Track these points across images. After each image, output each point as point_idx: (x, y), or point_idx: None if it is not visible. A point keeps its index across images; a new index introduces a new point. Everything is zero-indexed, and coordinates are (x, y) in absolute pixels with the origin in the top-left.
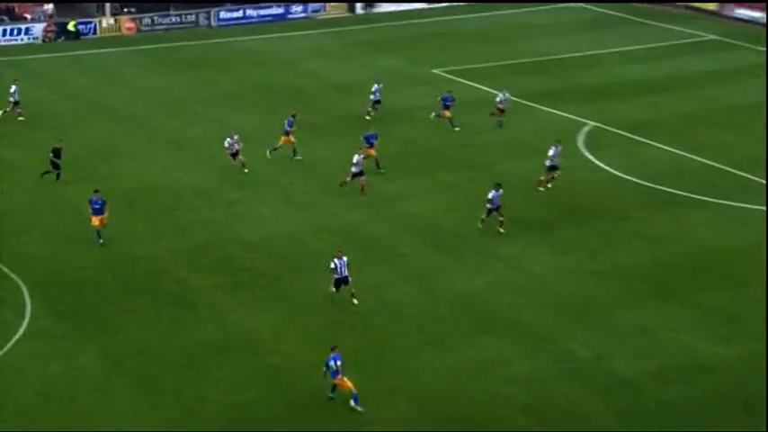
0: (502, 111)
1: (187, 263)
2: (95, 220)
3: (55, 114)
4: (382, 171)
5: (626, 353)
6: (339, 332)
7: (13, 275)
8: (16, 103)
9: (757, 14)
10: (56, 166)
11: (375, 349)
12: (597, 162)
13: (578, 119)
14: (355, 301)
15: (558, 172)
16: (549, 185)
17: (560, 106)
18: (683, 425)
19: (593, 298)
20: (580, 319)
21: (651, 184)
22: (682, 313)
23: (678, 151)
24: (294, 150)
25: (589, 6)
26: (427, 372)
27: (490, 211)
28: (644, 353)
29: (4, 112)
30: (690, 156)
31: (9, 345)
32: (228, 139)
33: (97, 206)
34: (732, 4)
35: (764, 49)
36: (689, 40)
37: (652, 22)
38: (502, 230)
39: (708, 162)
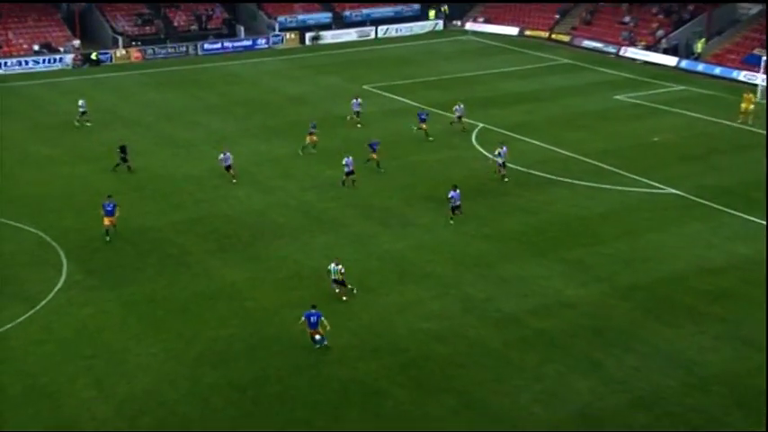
0: (459, 118)
1: (184, 232)
2: (106, 221)
3: (83, 122)
4: (382, 171)
5: (510, 295)
6: (298, 283)
7: (53, 243)
8: (83, 113)
9: (598, 44)
10: (124, 160)
11: (325, 295)
12: (486, 153)
13: (472, 122)
14: (354, 291)
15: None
16: (506, 179)
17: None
18: (552, 346)
19: (485, 255)
20: (476, 270)
21: (525, 169)
22: (550, 265)
23: (545, 145)
24: (314, 146)
25: (477, 39)
26: (364, 312)
27: (453, 208)
28: (523, 294)
29: (78, 122)
30: (553, 148)
31: (51, 294)
32: (221, 155)
33: (109, 209)
34: (581, 38)
35: (604, 70)
36: (549, 63)
37: (523, 50)
38: (452, 222)
39: (567, 153)
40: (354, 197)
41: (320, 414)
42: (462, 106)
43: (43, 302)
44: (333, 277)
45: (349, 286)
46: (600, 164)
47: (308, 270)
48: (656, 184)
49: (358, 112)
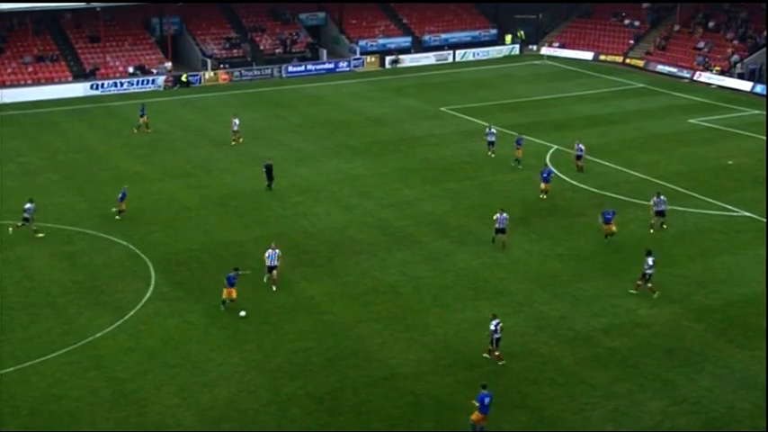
0: (579, 158)
1: (265, 247)
2: (227, 292)
3: (172, 140)
4: (520, 167)
5: (583, 314)
6: (375, 298)
7: (142, 255)
8: (236, 131)
9: (673, 69)
10: (269, 179)
11: (401, 310)
12: (560, 174)
13: (546, 143)
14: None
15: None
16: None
17: (533, 134)
18: (624, 365)
19: (558, 273)
20: (549, 289)
21: (598, 191)
22: (622, 285)
23: (618, 167)
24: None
25: (553, 63)
26: (439, 327)
27: (497, 230)
28: (596, 313)
29: (234, 141)
30: (627, 170)
31: (140, 305)
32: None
33: (233, 280)
34: (656, 63)
35: (678, 94)
36: (623, 88)
37: (597, 74)
38: (493, 242)
39: (640, 175)
40: (430, 215)
41: (395, 426)
42: (583, 146)
43: (132, 312)
44: (495, 336)
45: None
46: (673, 186)
47: (385, 286)
48: (730, 207)
49: (492, 143)
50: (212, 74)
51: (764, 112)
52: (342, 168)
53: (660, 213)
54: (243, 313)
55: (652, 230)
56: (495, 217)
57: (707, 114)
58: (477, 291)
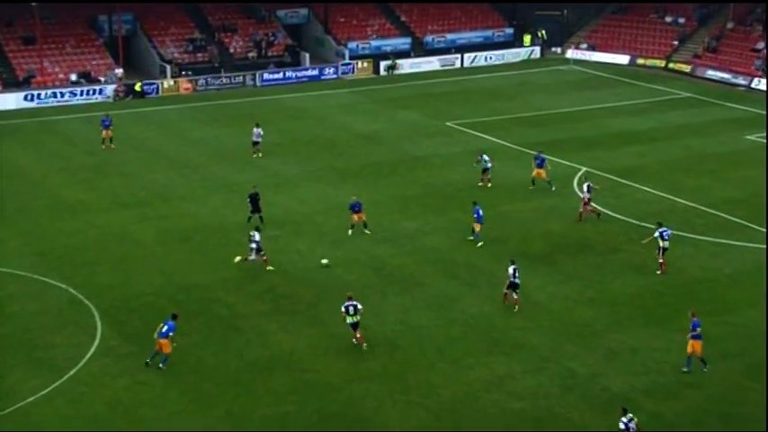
0: (588, 201)
1: (235, 291)
2: (161, 344)
3: (123, 162)
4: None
5: (619, 371)
6: (368, 352)
7: (86, 302)
8: (256, 143)
9: (726, 75)
10: (255, 210)
11: (399, 367)
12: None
13: (573, 165)
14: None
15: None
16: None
17: (558, 154)
18: None
19: (589, 322)
20: (578, 340)
21: (637, 222)
22: (667, 336)
23: (661, 193)
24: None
25: (581, 69)
26: (445, 387)
27: (511, 285)
28: (635, 371)
29: (255, 153)
30: (671, 197)
31: (82, 362)
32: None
33: (165, 330)
34: (705, 68)
35: (732, 105)
36: (666, 98)
37: (634, 82)
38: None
39: (687, 203)
40: (434, 252)
41: None
42: (589, 185)
43: (72, 372)
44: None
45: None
46: (728, 216)
47: (380, 337)
48: None
49: (486, 170)
50: (172, 82)
51: None
52: (328, 196)
53: (664, 251)
54: (325, 261)
55: (659, 272)
56: (508, 272)
57: None
58: (490, 343)
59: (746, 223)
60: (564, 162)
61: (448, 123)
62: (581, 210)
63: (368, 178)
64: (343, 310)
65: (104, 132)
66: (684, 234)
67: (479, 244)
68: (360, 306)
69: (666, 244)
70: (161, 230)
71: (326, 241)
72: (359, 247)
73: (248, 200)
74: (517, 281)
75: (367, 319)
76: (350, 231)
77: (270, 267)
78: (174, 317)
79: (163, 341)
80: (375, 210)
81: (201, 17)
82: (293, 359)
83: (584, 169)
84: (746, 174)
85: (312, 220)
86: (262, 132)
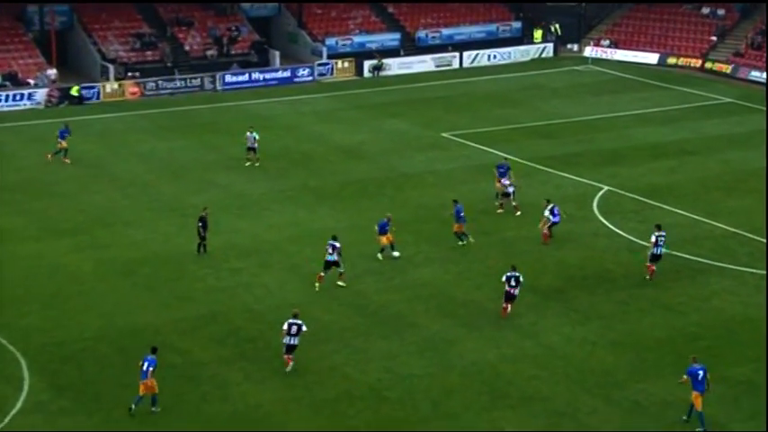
0: (507, 195)
1: (191, 334)
2: (145, 386)
3: (56, 181)
4: (464, 243)
5: (649, 428)
6: (350, 406)
7: (11, 348)
8: (251, 149)
9: None
10: (203, 237)
11: (387, 423)
12: (612, 227)
13: (593, 183)
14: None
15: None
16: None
17: (574, 170)
18: None
19: (612, 369)
20: (599, 391)
21: (668, 251)
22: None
23: (695, 216)
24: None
25: (601, 69)
26: None
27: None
28: (666, 429)
29: (249, 161)
30: (708, 221)
31: (5, 420)
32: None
33: (147, 367)
34: (749, 68)
35: None
36: (703, 103)
37: (666, 85)
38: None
39: (726, 228)
40: (428, 287)
41: None
42: (551, 209)
43: None
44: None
45: None
46: None
47: (364, 388)
48: None
49: (507, 194)
50: (116, 86)
51: None
52: (301, 220)
53: (656, 257)
54: (396, 254)
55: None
56: (504, 278)
57: None
58: (494, 395)
59: None
60: (581, 180)
61: (444, 134)
62: (545, 231)
63: (349, 199)
64: (285, 327)
65: (60, 143)
66: (724, 265)
67: (467, 241)
68: (304, 328)
69: (661, 251)
70: (101, 262)
71: (299, 274)
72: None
73: (199, 224)
74: (515, 291)
75: (348, 366)
76: (380, 256)
77: (340, 283)
78: (154, 350)
79: (147, 382)
80: (357, 237)
81: (151, 9)
82: (260, 415)
83: (605, 188)
84: None
85: (282, 250)
86: (257, 137)
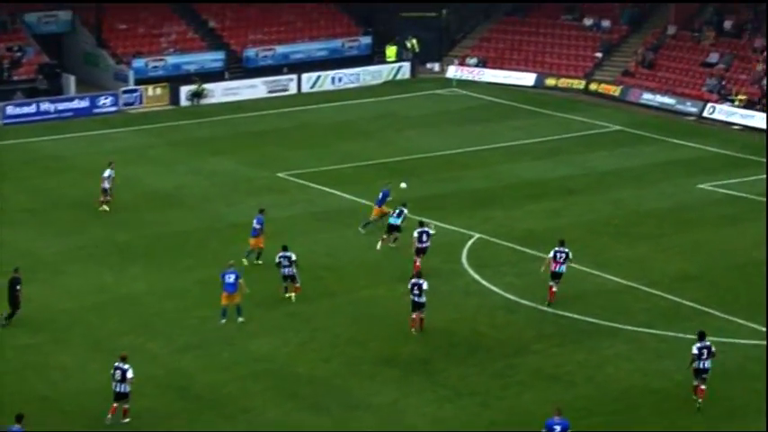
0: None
1: None
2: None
3: None
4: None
5: None
6: None
7: None
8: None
9: (669, 100)
10: (14, 304)
11: None
12: (485, 283)
13: (461, 230)
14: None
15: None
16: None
17: (438, 215)
18: None
19: None
20: None
21: (551, 310)
22: None
23: (582, 268)
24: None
25: (468, 92)
26: None
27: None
28: None
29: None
30: (597, 273)
31: None
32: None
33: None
34: (640, 89)
35: (678, 141)
36: (589, 132)
37: (544, 111)
38: None
39: (619, 280)
40: (263, 362)
41: None
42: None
43: None
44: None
45: None
46: (676, 298)
47: None
48: None
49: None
50: None
51: None
52: (106, 284)
53: (557, 275)
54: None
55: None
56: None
57: (726, 175)
58: None
59: (703, 308)
60: (447, 226)
61: (280, 174)
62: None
63: (163, 257)
64: (111, 371)
65: None
66: (618, 325)
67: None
68: (130, 374)
69: (563, 269)
70: None
71: (103, 351)
72: (154, 359)
73: (9, 288)
74: (422, 300)
75: None
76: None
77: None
78: (19, 418)
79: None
80: (175, 303)
81: None
82: None
83: (476, 236)
84: (699, 238)
85: (83, 322)
86: (113, 175)
